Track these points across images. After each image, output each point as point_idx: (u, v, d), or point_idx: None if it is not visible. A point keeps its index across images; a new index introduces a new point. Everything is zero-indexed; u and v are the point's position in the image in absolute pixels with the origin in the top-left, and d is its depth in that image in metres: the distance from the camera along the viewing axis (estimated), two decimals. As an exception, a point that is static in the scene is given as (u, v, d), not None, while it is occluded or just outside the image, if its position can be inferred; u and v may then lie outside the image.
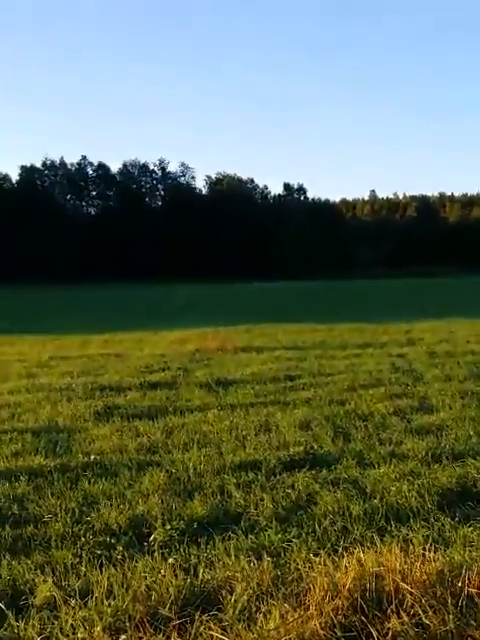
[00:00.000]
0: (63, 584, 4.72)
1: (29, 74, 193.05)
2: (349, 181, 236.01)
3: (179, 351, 17.31)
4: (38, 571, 4.93)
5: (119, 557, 5.05)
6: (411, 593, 4.39)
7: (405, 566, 4.65)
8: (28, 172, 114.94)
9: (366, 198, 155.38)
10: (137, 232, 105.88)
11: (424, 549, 4.91)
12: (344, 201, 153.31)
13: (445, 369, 13.25)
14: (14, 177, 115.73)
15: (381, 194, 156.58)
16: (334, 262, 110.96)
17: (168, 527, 5.51)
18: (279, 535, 5.34)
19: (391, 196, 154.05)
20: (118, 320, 28.27)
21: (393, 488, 6.28)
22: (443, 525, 5.49)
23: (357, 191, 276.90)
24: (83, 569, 4.90)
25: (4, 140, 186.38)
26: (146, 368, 14.45)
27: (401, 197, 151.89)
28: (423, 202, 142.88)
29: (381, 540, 5.13)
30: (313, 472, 6.80)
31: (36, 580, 4.79)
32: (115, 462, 7.47)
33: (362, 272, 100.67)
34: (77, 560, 5.07)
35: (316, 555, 4.89)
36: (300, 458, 7.26)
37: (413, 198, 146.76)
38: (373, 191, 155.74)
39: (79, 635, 4.10)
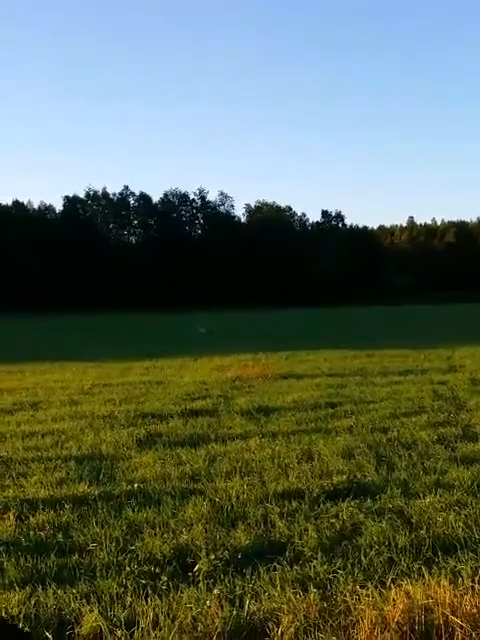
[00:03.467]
0: (109, 614, 4.71)
1: (73, 107, 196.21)
2: (387, 208, 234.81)
3: (220, 378, 17.32)
4: (84, 600, 4.92)
5: (164, 587, 5.03)
6: (461, 627, 4.32)
7: (454, 599, 4.57)
8: (71, 202, 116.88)
9: (404, 225, 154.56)
10: (177, 260, 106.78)
11: (473, 581, 4.83)
12: (382, 228, 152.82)
13: (488, 396, 13.09)
14: (58, 207, 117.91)
15: (419, 220, 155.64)
16: (372, 289, 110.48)
17: (212, 557, 5.48)
18: (324, 566, 5.28)
19: (429, 222, 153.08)
20: (159, 347, 28.39)
21: (439, 518, 6.19)
22: (492, 557, 5.39)
23: (395, 218, 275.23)
24: (128, 599, 4.89)
25: (49, 171, 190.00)
26: (187, 396, 14.47)
27: (439, 223, 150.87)
28: (461, 228, 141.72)
29: (429, 572, 5.05)
30: (357, 501, 6.73)
31: (82, 609, 4.79)
32: (158, 490, 7.48)
33: (400, 299, 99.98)
34: (122, 590, 5.06)
35: (363, 587, 4.83)
36: (344, 487, 7.19)
37: (451, 224, 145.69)
38: (411, 217, 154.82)
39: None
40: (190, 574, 5.28)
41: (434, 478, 7.56)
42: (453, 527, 6.01)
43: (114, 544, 5.94)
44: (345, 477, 7.55)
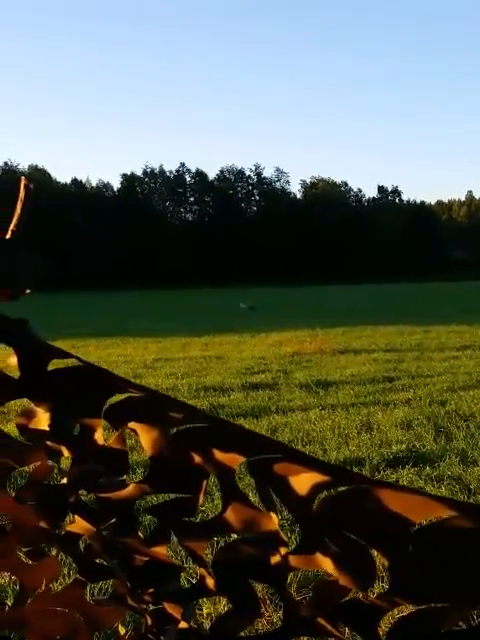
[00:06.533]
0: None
1: (131, 88, 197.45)
2: (444, 183, 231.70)
3: (277, 353, 17.63)
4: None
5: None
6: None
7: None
8: (129, 180, 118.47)
9: (462, 199, 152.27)
10: (233, 237, 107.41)
11: None
12: (440, 203, 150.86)
13: None
14: (116, 185, 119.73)
15: (478, 194, 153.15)
16: (430, 264, 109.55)
17: (279, 518, 5.79)
18: (386, 527, 5.56)
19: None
20: (217, 323, 28.80)
21: (497, 485, 6.44)
22: None
23: (453, 192, 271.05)
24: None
25: (108, 150, 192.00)
26: (247, 370, 14.81)
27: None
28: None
29: (486, 532, 5.31)
30: (416, 469, 6.99)
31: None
32: (225, 457, 7.81)
33: (458, 274, 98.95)
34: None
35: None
36: (403, 456, 7.46)
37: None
38: (470, 192, 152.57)
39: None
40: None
41: (492, 448, 7.78)
42: (510, 493, 6.24)
43: (186, 506, 6.28)
44: (404, 446, 7.83)
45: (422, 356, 16.24)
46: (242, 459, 1.28)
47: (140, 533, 1.48)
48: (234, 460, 1.29)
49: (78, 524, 1.49)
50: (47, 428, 1.43)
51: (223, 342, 21.75)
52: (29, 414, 1.47)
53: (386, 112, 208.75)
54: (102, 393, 1.38)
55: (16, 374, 1.42)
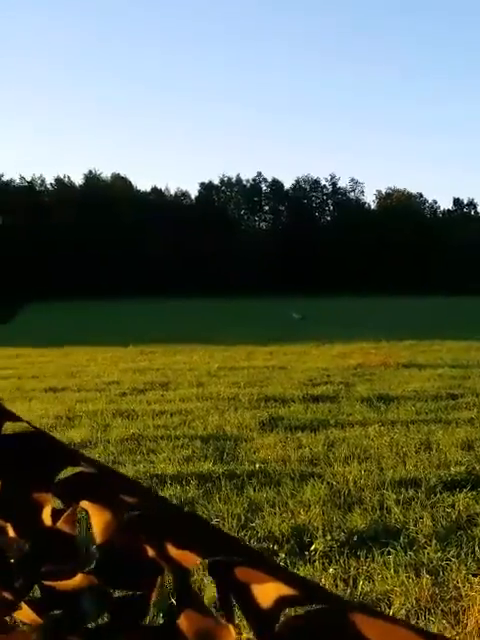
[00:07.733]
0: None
1: (210, 97, 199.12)
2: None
3: (341, 365, 17.46)
4: (206, 573, 5.23)
5: (281, 564, 5.29)
6: None
7: None
8: (206, 189, 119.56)
9: None
10: (306, 246, 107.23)
11: None
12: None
13: None
14: (193, 194, 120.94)
15: None
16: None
17: (328, 538, 5.72)
18: (438, 553, 5.42)
19: None
20: (284, 332, 28.76)
21: None
22: None
23: None
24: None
25: (187, 159, 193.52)
26: (309, 381, 14.71)
27: None
28: None
29: None
30: (474, 493, 6.80)
31: (205, 580, 5.11)
32: (278, 471, 7.77)
33: None
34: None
35: (475, 576, 4.95)
36: (461, 478, 7.27)
37: None
38: None
39: None
40: (306, 553, 5.54)
41: None
42: None
43: (236, 520, 6.27)
44: (463, 468, 7.63)
45: (489, 373, 15.85)
46: (198, 559, 1.14)
47: (85, 629, 1.31)
48: (190, 558, 1.15)
49: (24, 612, 1.34)
50: None
51: (288, 352, 21.68)
52: None
53: (462, 123, 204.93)
54: (50, 465, 1.23)
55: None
